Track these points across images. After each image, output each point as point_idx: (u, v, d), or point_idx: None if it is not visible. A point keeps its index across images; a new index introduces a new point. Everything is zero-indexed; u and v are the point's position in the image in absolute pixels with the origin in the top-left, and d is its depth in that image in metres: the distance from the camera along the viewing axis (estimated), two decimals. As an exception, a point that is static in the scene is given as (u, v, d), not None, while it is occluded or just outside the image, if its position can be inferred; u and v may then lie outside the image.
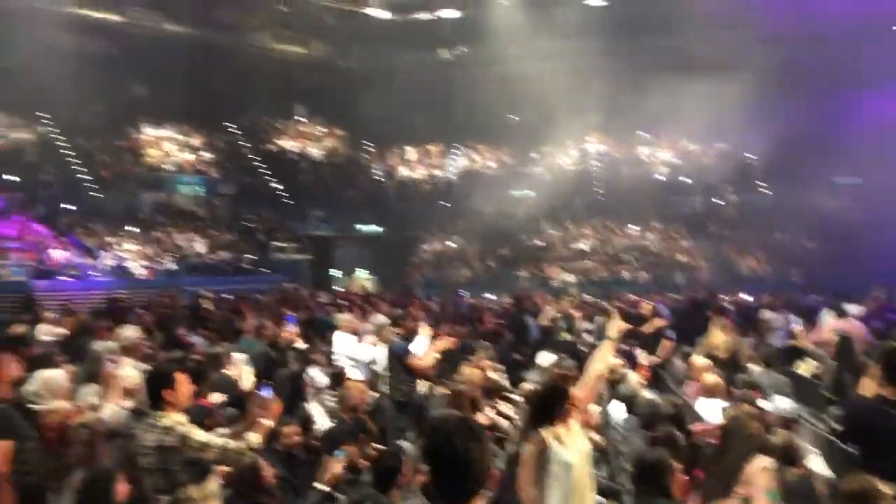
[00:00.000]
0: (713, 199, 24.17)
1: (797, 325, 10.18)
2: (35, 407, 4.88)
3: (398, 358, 7.97)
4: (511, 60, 23.95)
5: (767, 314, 11.47)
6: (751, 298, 15.24)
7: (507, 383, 7.40)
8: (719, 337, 8.39)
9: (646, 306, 11.68)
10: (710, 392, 6.11)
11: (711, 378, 6.26)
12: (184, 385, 4.16)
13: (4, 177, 20.06)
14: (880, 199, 17.90)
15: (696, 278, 20.17)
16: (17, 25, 19.57)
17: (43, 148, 22.05)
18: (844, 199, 20.01)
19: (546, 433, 4.00)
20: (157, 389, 4.13)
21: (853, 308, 10.54)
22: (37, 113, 22.20)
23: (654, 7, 22.56)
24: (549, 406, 4.16)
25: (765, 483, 3.77)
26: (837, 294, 11.20)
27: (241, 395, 5.77)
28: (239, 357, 6.92)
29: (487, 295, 17.94)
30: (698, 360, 7.00)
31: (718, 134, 23.69)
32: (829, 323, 9.53)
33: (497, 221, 24.09)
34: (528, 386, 6.67)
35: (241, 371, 6.53)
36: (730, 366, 7.56)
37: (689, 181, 24.61)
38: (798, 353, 8.61)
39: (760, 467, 3.85)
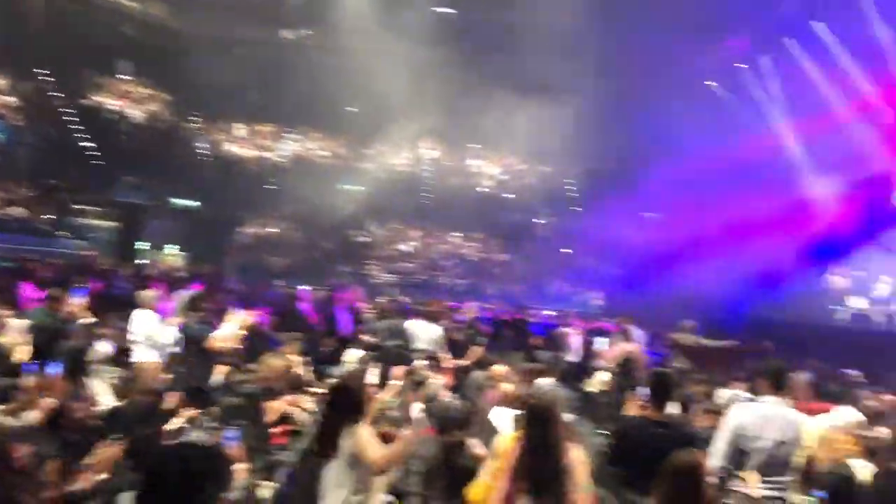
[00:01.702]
0: (532, 218, 25.29)
1: (599, 344, 10.81)
2: None
3: (196, 342, 7.60)
4: (354, 53, 23.73)
5: (565, 331, 12.12)
6: (554, 314, 16.10)
7: (311, 376, 7.30)
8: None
9: (466, 315, 12.03)
10: (506, 401, 6.32)
11: (509, 387, 6.49)
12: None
13: None
14: (679, 233, 19.56)
15: (508, 292, 21.00)
16: None
17: None
18: (647, 231, 21.65)
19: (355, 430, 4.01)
20: None
21: (636, 331, 11.35)
22: None
23: (499, 25, 23.29)
24: (353, 404, 4.15)
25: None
26: (629, 317, 12.00)
27: (13, 367, 5.25)
28: (16, 324, 6.30)
29: (303, 286, 17.62)
30: (499, 368, 7.23)
31: (543, 156, 24.85)
32: (618, 345, 10.22)
33: (323, 212, 23.76)
34: (333, 380, 6.62)
35: (16, 340, 5.95)
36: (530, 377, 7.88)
37: (512, 197, 25.62)
38: (589, 370, 9.17)
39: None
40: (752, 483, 4.42)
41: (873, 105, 16.69)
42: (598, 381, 8.39)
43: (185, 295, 9.10)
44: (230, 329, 7.80)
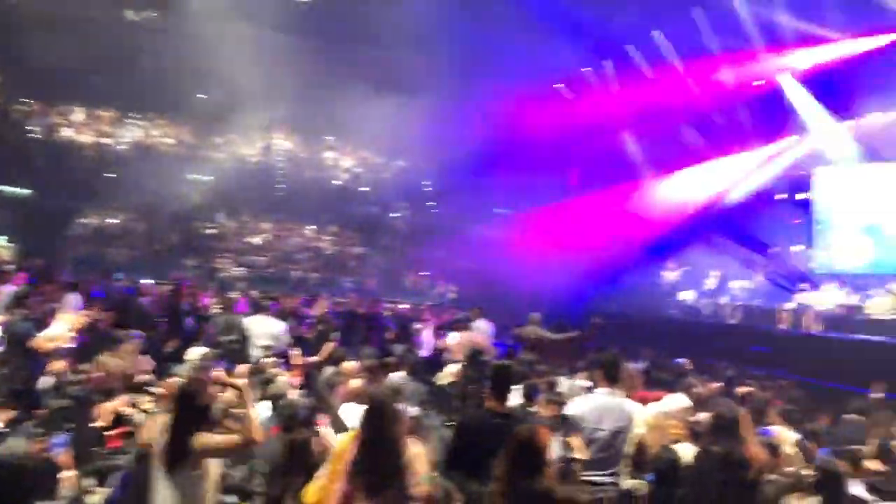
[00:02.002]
0: (387, 212, 25.34)
1: (451, 337, 10.95)
2: None
3: (20, 341, 7.05)
4: (205, 37, 22.72)
5: (418, 325, 12.25)
6: (407, 307, 16.23)
7: (151, 375, 6.96)
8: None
9: (316, 311, 11.85)
10: (354, 397, 6.29)
11: (357, 383, 6.47)
12: None
13: None
14: (528, 228, 20.25)
15: (364, 285, 20.94)
16: None
17: None
18: (499, 225, 22.26)
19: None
20: None
21: (486, 324, 11.65)
22: None
23: (356, 17, 23.07)
24: (197, 410, 4.00)
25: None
26: (478, 310, 12.27)
27: None
28: None
29: (146, 280, 16.77)
30: (348, 364, 7.19)
31: (400, 150, 24.95)
32: (464, 335, 10.44)
33: (168, 203, 22.65)
34: (174, 380, 6.34)
35: None
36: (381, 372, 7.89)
37: (367, 190, 25.55)
38: (440, 364, 9.31)
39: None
40: (577, 448, 4.64)
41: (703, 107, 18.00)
42: (449, 374, 8.52)
43: (8, 290, 8.39)
44: (60, 328, 7.28)
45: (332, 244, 23.60)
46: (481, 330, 11.20)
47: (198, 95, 25.28)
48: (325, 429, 5.34)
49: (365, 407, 4.13)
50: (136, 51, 25.03)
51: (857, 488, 4.71)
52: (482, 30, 19.11)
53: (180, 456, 3.92)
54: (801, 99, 16.64)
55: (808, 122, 16.74)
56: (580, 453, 4.60)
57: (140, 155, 24.76)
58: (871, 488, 4.84)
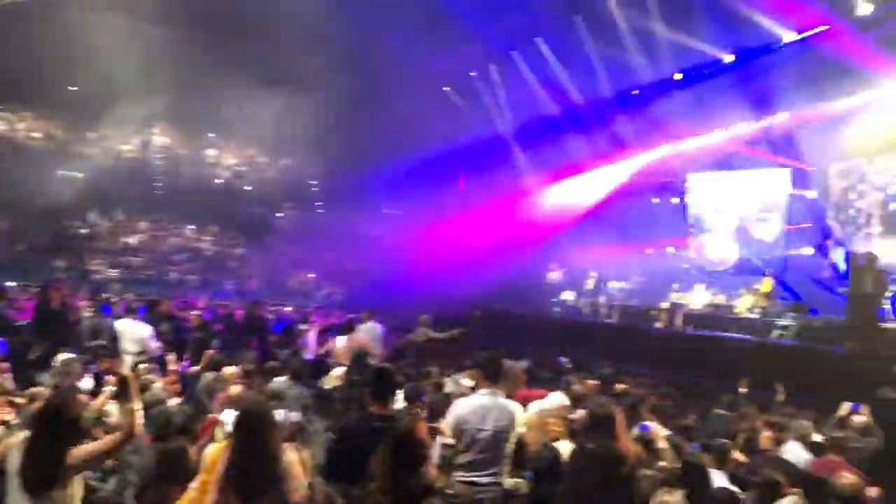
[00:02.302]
0: (271, 212, 24.82)
1: (339, 340, 10.79)
2: None
3: None
4: (75, 25, 21.49)
5: (303, 328, 12.03)
6: (293, 310, 15.92)
7: (11, 384, 6.52)
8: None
9: (193, 315, 11.42)
10: (234, 403, 6.10)
11: (237, 389, 6.28)
12: None
13: None
14: (417, 229, 20.30)
15: (246, 287, 20.41)
16: None
17: None
18: (388, 226, 22.21)
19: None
20: None
21: (376, 326, 11.58)
22: None
23: (243, 9, 22.40)
24: (64, 425, 3.75)
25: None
26: (368, 311, 12.16)
27: None
28: None
29: (9, 283, 15.68)
30: (229, 370, 6.97)
31: (286, 149, 24.44)
32: (350, 338, 10.34)
33: (35, 200, 21.28)
34: (38, 389, 5.97)
35: None
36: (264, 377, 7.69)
37: (250, 189, 24.93)
38: (325, 367, 9.16)
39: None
40: (444, 432, 4.68)
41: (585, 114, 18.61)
42: (334, 378, 8.40)
43: None
44: None
45: (213, 245, 22.88)
46: (371, 332, 11.11)
47: (69, 87, 23.89)
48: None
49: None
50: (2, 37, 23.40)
51: (721, 479, 4.97)
52: (372, 26, 18.97)
53: (47, 477, 3.64)
54: (672, 109, 17.45)
55: (678, 131, 17.59)
56: (448, 438, 4.64)
57: (3, 149, 23.16)
58: (734, 479, 5.12)
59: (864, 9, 12.96)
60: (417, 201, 21.16)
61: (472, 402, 4.77)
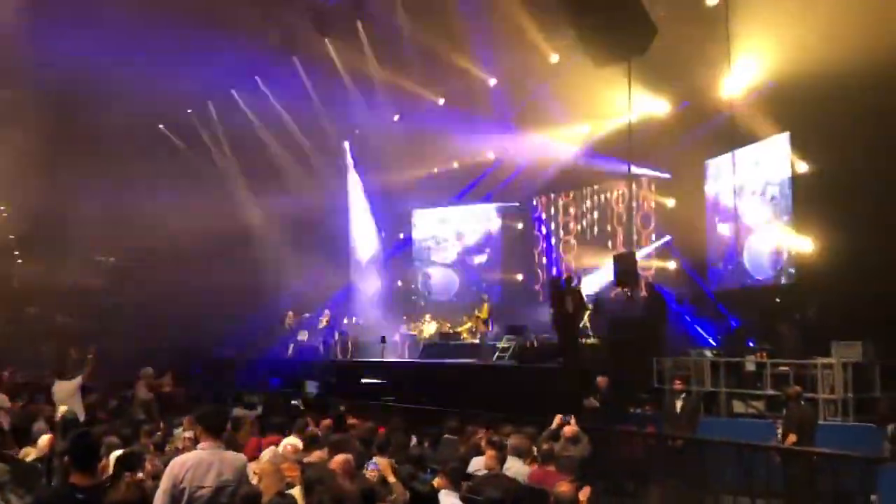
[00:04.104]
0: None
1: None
2: None
3: None
4: None
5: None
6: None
7: None
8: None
9: None
10: None
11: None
12: None
13: None
14: (144, 277, 18.96)
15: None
16: None
17: None
18: (104, 276, 20.44)
19: None
20: None
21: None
22: None
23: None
24: None
25: None
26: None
27: None
28: None
29: None
30: None
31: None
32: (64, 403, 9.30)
33: None
34: None
35: None
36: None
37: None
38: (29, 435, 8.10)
39: None
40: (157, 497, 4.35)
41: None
42: (38, 448, 7.48)
43: None
44: None
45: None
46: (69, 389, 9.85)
47: None
48: None
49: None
50: None
51: (452, 499, 5.16)
52: (72, 63, 17.38)
53: None
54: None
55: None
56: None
57: None
58: (465, 499, 5.32)
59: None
60: (133, 248, 19.72)
61: (190, 461, 4.45)
